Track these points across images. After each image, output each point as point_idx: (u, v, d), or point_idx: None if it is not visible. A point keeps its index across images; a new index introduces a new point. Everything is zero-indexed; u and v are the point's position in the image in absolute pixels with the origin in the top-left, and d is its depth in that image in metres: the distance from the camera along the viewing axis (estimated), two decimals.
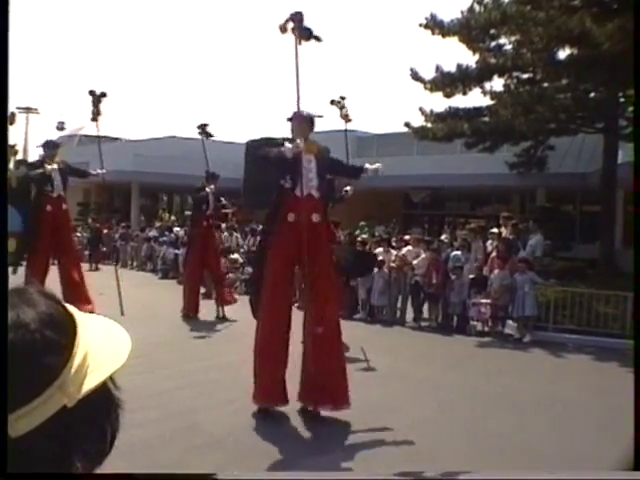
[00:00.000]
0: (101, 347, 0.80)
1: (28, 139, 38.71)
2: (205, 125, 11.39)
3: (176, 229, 20.42)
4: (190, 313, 11.22)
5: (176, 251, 19.04)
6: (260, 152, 6.27)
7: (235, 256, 15.92)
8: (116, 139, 34.93)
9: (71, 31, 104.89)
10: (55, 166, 9.59)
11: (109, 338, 0.84)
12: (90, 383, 0.76)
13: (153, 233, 21.76)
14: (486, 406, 6.84)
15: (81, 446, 0.76)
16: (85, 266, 21.28)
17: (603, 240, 14.62)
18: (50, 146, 9.74)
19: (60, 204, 9.60)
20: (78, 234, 25.96)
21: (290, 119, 6.44)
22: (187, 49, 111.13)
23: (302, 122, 6.25)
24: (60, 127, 9.51)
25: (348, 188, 10.81)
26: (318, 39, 6.06)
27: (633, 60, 5.54)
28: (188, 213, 23.24)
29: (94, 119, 9.91)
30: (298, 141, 5.93)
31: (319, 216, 6.22)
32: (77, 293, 9.45)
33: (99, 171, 10.48)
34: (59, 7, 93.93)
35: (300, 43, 6.04)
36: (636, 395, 3.82)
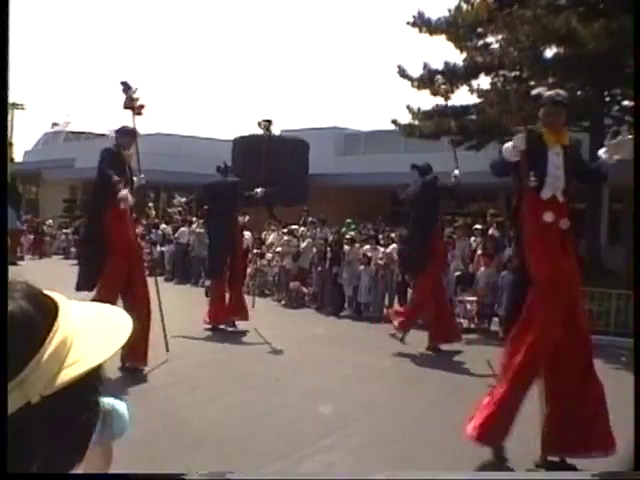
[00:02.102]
0: (87, 340, 0.77)
1: (13, 135, 38.43)
2: (269, 122, 11.14)
3: (162, 226, 20.34)
4: (242, 318, 10.56)
5: (162, 248, 18.97)
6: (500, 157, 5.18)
7: None
8: (102, 135, 34.80)
9: (56, 25, 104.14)
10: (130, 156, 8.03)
11: (103, 329, 0.81)
12: (62, 379, 0.72)
13: (139, 230, 21.63)
14: (473, 403, 6.87)
15: (44, 447, 0.72)
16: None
17: (589, 237, 14.73)
18: (125, 133, 8.01)
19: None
20: (66, 231, 25.86)
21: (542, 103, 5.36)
22: (173, 45, 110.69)
23: (560, 107, 5.26)
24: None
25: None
26: None
27: (633, 59, 5.50)
28: (171, 210, 23.14)
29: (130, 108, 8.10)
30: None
31: (566, 223, 5.16)
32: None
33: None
34: (42, 1, 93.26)
35: None
36: (636, 395, 3.84)
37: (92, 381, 0.78)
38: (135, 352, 7.02)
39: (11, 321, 0.72)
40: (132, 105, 8.08)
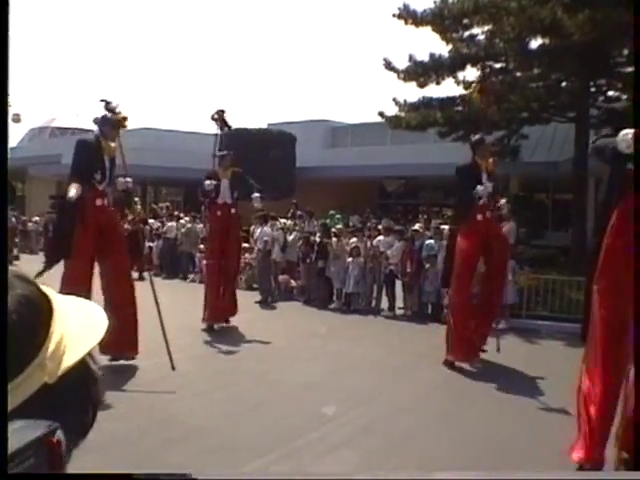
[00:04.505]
0: (78, 325, 0.83)
1: None
2: (222, 112, 10.83)
3: (150, 221, 20.26)
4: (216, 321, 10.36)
5: (150, 244, 18.90)
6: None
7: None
8: (89, 131, 34.55)
9: (39, 20, 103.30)
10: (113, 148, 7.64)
11: (86, 317, 0.86)
12: (69, 360, 0.78)
13: (126, 226, 21.54)
14: (461, 393, 6.92)
15: (64, 421, 0.77)
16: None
17: (575, 228, 14.80)
18: (106, 123, 7.61)
19: (102, 197, 7.53)
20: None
21: None
22: (158, 39, 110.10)
23: None
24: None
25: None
26: None
27: (634, 58, 5.40)
28: (162, 205, 23.07)
29: None
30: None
31: None
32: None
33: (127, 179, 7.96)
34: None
35: None
36: (636, 395, 3.87)
37: (88, 363, 0.84)
38: (122, 340, 7.08)
39: (27, 303, 0.77)
40: (116, 120, 7.72)
